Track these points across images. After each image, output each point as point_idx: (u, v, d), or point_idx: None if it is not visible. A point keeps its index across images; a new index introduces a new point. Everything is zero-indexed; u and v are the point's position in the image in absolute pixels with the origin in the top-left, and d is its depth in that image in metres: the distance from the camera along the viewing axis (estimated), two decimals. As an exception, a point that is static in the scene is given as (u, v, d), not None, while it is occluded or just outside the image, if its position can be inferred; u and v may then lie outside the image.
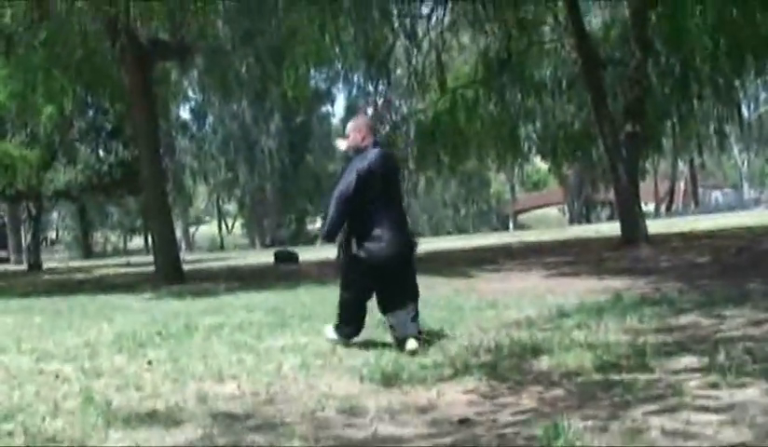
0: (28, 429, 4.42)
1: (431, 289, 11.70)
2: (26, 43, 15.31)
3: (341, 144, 7.28)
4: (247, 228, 66.11)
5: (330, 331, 7.02)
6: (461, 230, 63.17)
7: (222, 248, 60.57)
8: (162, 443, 4.03)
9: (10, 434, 4.35)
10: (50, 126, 15.63)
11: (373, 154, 6.82)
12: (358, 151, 6.89)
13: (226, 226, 74.67)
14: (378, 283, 6.78)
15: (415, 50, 22.71)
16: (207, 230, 76.65)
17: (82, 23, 15.75)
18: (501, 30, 21.67)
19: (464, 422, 4.17)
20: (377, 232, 6.67)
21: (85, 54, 16.84)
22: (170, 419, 4.51)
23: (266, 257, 27.10)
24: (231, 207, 72.80)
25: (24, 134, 25.04)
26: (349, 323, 6.93)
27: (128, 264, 29.13)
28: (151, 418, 4.57)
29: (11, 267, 35.93)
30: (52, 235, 61.73)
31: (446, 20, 23.44)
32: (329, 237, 6.91)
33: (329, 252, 23.79)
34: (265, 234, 57.95)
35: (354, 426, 4.17)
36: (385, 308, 6.83)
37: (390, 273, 6.73)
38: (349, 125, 7.20)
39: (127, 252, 55.02)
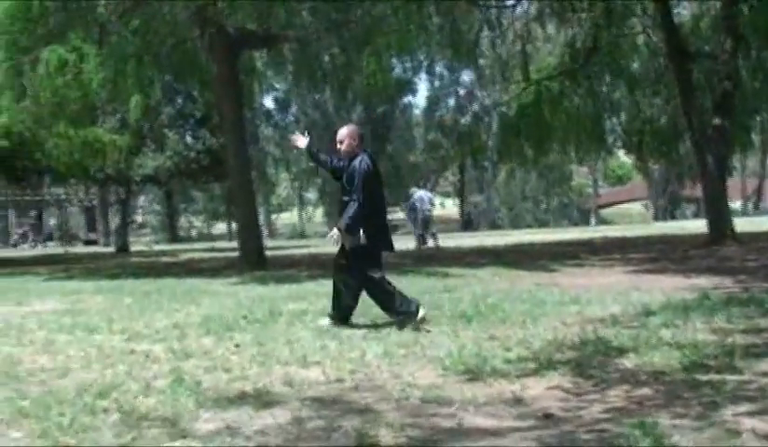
0: (122, 406, 4.58)
1: (512, 282, 11.71)
2: (118, 31, 15.72)
3: (300, 142, 8.19)
4: (327, 216, 66.68)
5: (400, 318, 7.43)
6: (541, 223, 62.47)
7: (302, 235, 61.23)
8: (252, 425, 4.12)
9: (105, 410, 4.50)
10: (139, 113, 16.08)
11: (366, 156, 7.72)
12: (352, 155, 7.70)
13: (307, 214, 75.39)
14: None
15: (499, 41, 22.55)
16: (288, 217, 77.61)
17: (172, 12, 16.10)
18: (588, 20, 21.35)
19: (549, 417, 4.15)
20: (378, 224, 7.68)
21: (174, 43, 17.22)
22: (258, 401, 4.61)
23: (346, 246, 27.27)
24: (312, 195, 73.51)
25: (114, 120, 25.75)
26: (402, 300, 7.56)
27: (212, 249, 29.72)
28: (240, 400, 4.68)
29: (100, 249, 37.08)
30: (139, 218, 63.30)
31: (532, 9, 23.22)
32: (354, 229, 7.44)
33: (403, 243, 23.90)
34: (345, 222, 58.28)
35: (440, 415, 4.19)
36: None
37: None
38: (344, 131, 7.93)
39: (210, 238, 56.21)
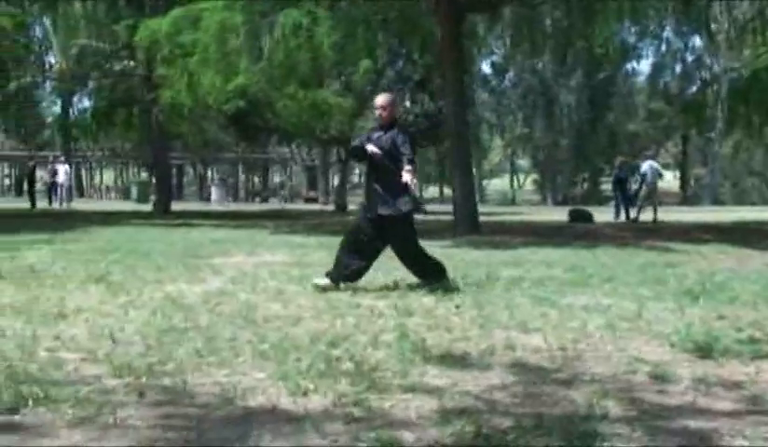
0: (353, 356, 4.81)
1: (740, 261, 11.15)
2: (349, -4, 16.22)
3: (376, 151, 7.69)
4: (539, 184, 66.00)
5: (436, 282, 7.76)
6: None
7: (513, 202, 60.96)
8: (477, 384, 4.22)
9: (338, 359, 4.75)
10: (366, 76, 16.53)
11: (400, 127, 7.89)
12: (388, 124, 7.75)
13: (518, 181, 74.92)
14: None
15: (737, 3, 21.22)
16: (498, 184, 77.43)
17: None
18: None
19: (787, 402, 3.96)
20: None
21: (401, 7, 17.53)
22: (482, 362, 4.71)
23: (558, 215, 26.92)
24: (524, 162, 72.91)
25: (339, 84, 26.65)
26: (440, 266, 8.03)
27: (425, 213, 30.15)
28: (464, 359, 4.80)
29: (320, 207, 38.69)
30: (356, 179, 65.46)
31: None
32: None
33: (606, 215, 23.16)
34: (557, 191, 57.51)
35: (668, 393, 4.10)
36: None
37: None
38: (386, 99, 7.93)
39: (422, 201, 57.09)
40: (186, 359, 4.71)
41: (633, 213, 23.27)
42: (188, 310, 6.45)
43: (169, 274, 8.89)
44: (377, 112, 7.89)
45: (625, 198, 24.14)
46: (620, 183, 24.57)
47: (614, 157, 33.07)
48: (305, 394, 4.00)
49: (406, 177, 7.39)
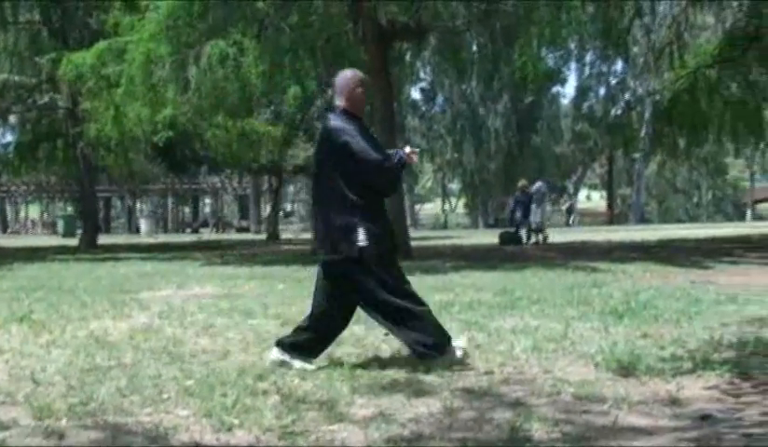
0: (281, 389, 4.76)
1: (664, 278, 11.41)
2: (276, 26, 16.23)
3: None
4: (470, 208, 66.67)
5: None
6: (693, 218, 60.29)
7: (445, 226, 61.41)
8: (405, 413, 4.21)
9: (265, 392, 4.70)
10: (295, 105, 16.51)
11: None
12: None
13: (450, 205, 75.57)
14: None
15: (655, 28, 21.89)
16: (430, 208, 78.00)
17: (327, 6, 16.49)
18: (748, 6, 20.44)
19: (707, 418, 4.05)
20: None
21: (328, 36, 17.62)
22: (410, 390, 4.70)
23: (489, 238, 27.22)
24: (455, 186, 73.64)
25: (269, 112, 26.59)
26: None
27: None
28: (392, 387, 4.78)
29: (252, 237, 38.43)
30: (288, 207, 65.22)
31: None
32: None
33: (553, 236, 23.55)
34: (488, 214, 58.15)
35: (593, 412, 4.15)
36: None
37: None
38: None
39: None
40: (108, 399, 4.60)
41: (534, 237, 23.70)
42: (112, 348, 6.31)
43: (93, 311, 8.70)
44: (361, 92, 5.54)
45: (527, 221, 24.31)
46: (523, 206, 24.62)
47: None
48: (229, 430, 3.95)
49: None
